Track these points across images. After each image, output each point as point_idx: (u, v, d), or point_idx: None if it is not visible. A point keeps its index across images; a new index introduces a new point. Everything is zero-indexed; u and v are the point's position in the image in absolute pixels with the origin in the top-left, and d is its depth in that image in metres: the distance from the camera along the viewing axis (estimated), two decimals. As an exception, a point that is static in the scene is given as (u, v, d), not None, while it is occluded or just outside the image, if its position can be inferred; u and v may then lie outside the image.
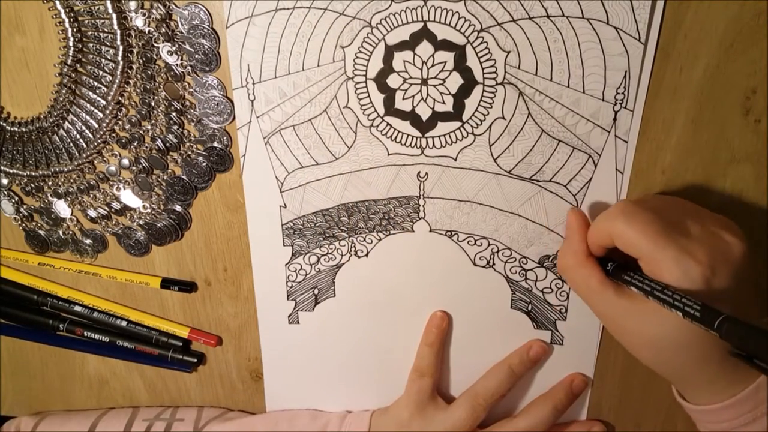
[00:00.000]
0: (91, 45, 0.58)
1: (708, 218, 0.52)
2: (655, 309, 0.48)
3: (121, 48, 0.57)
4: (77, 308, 0.71)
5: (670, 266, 0.47)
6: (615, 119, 0.55)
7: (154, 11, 0.56)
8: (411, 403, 0.67)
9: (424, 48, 0.54)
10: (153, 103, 0.60)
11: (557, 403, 0.66)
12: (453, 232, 0.61)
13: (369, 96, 0.57)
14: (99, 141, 0.61)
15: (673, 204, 0.54)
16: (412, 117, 0.57)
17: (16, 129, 0.63)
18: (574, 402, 0.67)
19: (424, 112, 0.57)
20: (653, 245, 0.47)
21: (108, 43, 0.57)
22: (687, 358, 0.51)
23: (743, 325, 0.40)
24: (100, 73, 0.59)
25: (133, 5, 0.56)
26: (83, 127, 0.61)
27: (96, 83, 0.59)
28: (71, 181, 0.64)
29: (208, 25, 0.56)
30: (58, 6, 0.56)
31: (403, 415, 0.67)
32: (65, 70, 0.58)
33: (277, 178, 0.61)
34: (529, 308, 0.64)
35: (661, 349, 0.51)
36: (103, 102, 0.59)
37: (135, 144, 0.61)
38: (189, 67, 0.58)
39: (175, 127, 0.60)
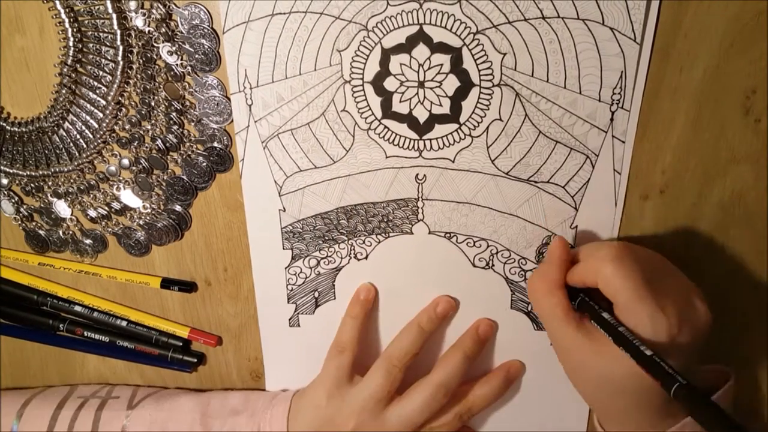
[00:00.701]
0: (91, 45, 0.59)
1: (682, 282, 0.55)
2: (612, 352, 0.51)
3: (121, 48, 0.58)
4: (77, 308, 0.72)
5: (644, 320, 0.50)
6: (612, 120, 0.57)
7: (154, 11, 0.57)
8: (328, 381, 0.66)
9: (421, 51, 0.55)
10: (153, 103, 0.61)
11: (466, 350, 0.66)
12: (452, 234, 0.63)
13: (366, 99, 0.58)
14: (99, 141, 0.62)
15: (657, 261, 0.56)
16: (409, 119, 0.58)
17: (16, 129, 0.64)
18: (483, 348, 0.67)
19: (422, 115, 0.58)
20: (635, 296, 0.50)
21: (108, 43, 0.58)
22: (626, 404, 0.54)
23: (699, 397, 0.43)
24: (100, 73, 0.60)
25: (133, 5, 0.57)
26: (83, 127, 0.62)
27: (96, 83, 0.60)
28: (71, 181, 0.66)
29: (208, 25, 0.57)
30: (58, 6, 0.57)
31: (318, 396, 0.67)
32: (65, 70, 0.59)
33: (275, 181, 0.62)
34: (529, 309, 0.65)
35: (605, 390, 0.54)
36: (103, 102, 0.61)
37: (135, 144, 0.63)
38: (189, 67, 0.59)
39: (175, 127, 0.62)
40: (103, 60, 0.59)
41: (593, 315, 0.53)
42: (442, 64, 0.56)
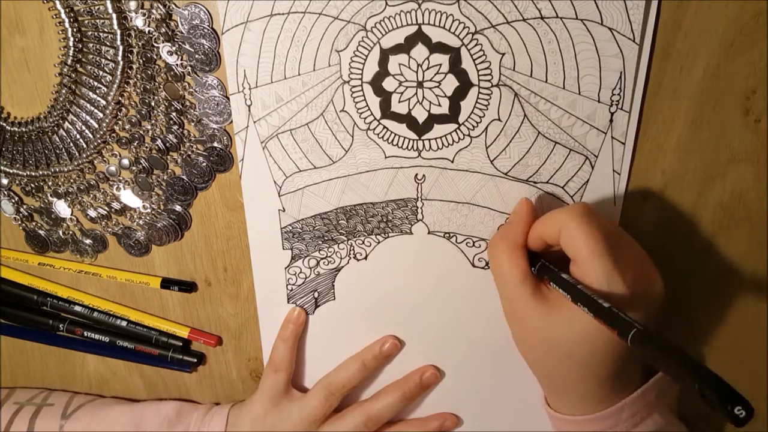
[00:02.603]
0: (91, 45, 0.59)
1: (640, 253, 0.56)
2: (564, 317, 0.52)
3: (121, 48, 0.59)
4: (77, 308, 0.73)
5: (600, 278, 0.50)
6: (611, 120, 0.57)
7: (154, 11, 0.57)
8: (264, 397, 0.70)
9: (419, 51, 0.56)
10: (153, 103, 0.61)
11: (406, 392, 0.70)
12: (451, 234, 0.63)
13: (365, 99, 0.59)
14: (99, 141, 0.63)
15: (616, 229, 0.57)
16: (408, 120, 0.59)
17: (16, 129, 0.64)
18: (422, 393, 0.71)
19: (420, 115, 0.59)
20: (595, 252, 0.50)
21: (108, 43, 0.59)
22: (574, 369, 0.55)
23: (657, 340, 0.43)
24: (100, 73, 0.60)
25: (133, 5, 0.57)
26: (83, 127, 0.63)
27: (96, 83, 0.61)
28: (71, 181, 0.66)
29: (208, 25, 0.58)
30: (58, 6, 0.58)
31: (256, 410, 0.70)
32: (65, 70, 0.60)
33: (275, 182, 0.63)
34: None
35: (553, 354, 0.55)
36: (103, 102, 0.61)
37: (135, 144, 0.63)
38: (189, 67, 0.60)
39: (175, 127, 0.62)
40: (103, 60, 0.60)
41: (552, 276, 0.54)
42: (440, 64, 0.57)
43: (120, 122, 0.63)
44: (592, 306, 0.48)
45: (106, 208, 0.68)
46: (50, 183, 0.67)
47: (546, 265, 0.55)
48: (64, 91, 0.61)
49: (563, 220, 0.53)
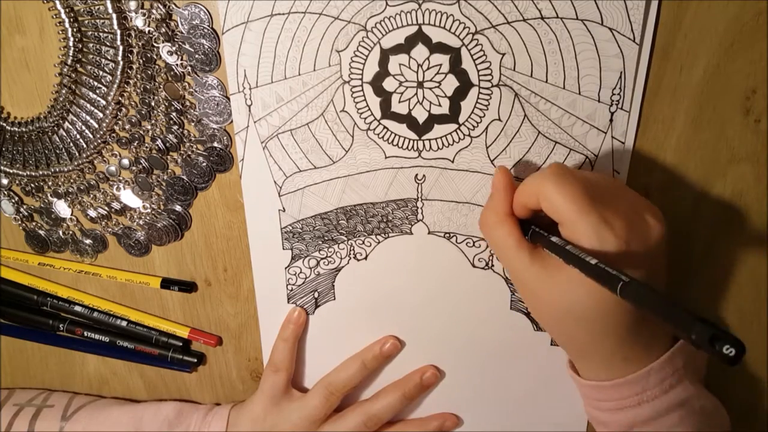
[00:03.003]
0: (91, 45, 0.60)
1: (634, 199, 0.54)
2: (565, 278, 0.51)
3: (121, 48, 0.59)
4: (77, 308, 0.73)
5: (589, 234, 0.49)
6: (611, 120, 0.57)
7: (154, 11, 0.58)
8: (264, 398, 0.71)
9: (420, 51, 0.56)
10: (153, 103, 0.62)
11: (406, 392, 0.70)
12: (451, 234, 0.63)
13: (365, 99, 0.59)
14: (99, 141, 0.63)
15: (604, 179, 0.56)
16: (408, 120, 0.59)
17: (16, 129, 0.65)
18: (422, 393, 0.71)
19: (421, 115, 0.59)
20: (577, 211, 0.49)
21: (108, 43, 0.59)
22: (588, 330, 0.53)
23: (645, 290, 0.42)
24: (100, 73, 0.61)
25: (133, 5, 0.58)
26: (83, 127, 0.63)
27: (96, 83, 0.61)
28: (71, 181, 0.67)
29: (208, 25, 0.58)
30: (58, 6, 0.58)
31: (256, 411, 0.71)
32: (65, 70, 0.60)
33: (275, 182, 0.63)
34: (528, 310, 0.66)
35: (564, 317, 0.54)
36: (103, 102, 0.61)
37: (135, 144, 0.64)
38: (189, 67, 0.60)
39: (175, 127, 0.62)
40: (103, 60, 0.60)
41: (543, 241, 0.53)
42: (441, 65, 0.57)
43: (120, 122, 0.63)
44: (581, 265, 0.47)
45: (106, 208, 0.68)
46: (50, 183, 0.67)
47: (536, 231, 0.55)
48: (64, 91, 0.62)
49: (539, 185, 0.52)
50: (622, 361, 0.54)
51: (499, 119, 0.58)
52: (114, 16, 0.58)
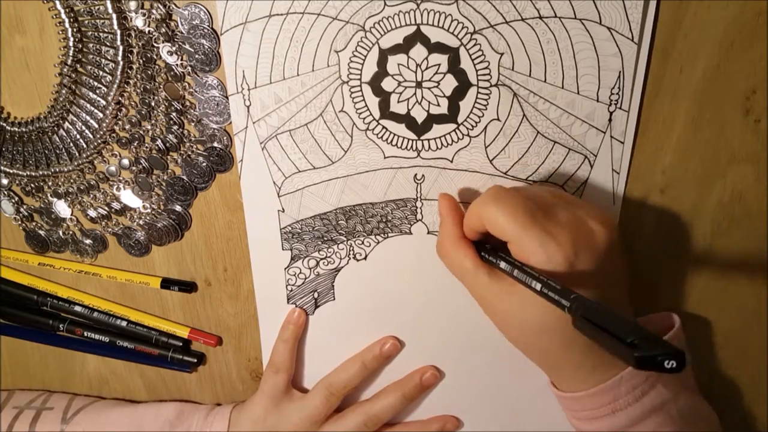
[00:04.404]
0: (91, 45, 0.60)
1: (578, 206, 0.54)
2: (521, 292, 0.52)
3: (121, 48, 0.59)
4: (77, 308, 0.73)
5: (535, 248, 0.50)
6: (610, 120, 0.58)
7: (154, 11, 0.58)
8: (265, 398, 0.71)
9: (418, 51, 0.57)
10: (153, 103, 0.62)
11: (406, 392, 0.71)
12: (450, 234, 0.64)
13: (364, 100, 0.59)
14: (99, 141, 0.64)
15: (546, 192, 0.56)
16: (407, 120, 0.59)
17: (16, 129, 0.65)
18: (422, 393, 0.71)
19: (420, 115, 0.59)
20: (520, 228, 0.50)
21: (108, 43, 0.59)
22: (552, 342, 0.54)
23: (593, 305, 0.42)
24: (100, 73, 0.61)
25: (133, 5, 0.58)
26: (83, 127, 0.64)
27: (96, 83, 0.61)
28: (71, 181, 0.67)
29: (208, 25, 0.58)
30: (58, 6, 0.58)
31: (257, 411, 0.71)
32: (65, 70, 0.61)
33: (274, 182, 0.63)
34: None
35: (527, 332, 0.55)
36: (103, 102, 0.62)
37: (135, 144, 0.64)
38: (189, 67, 0.60)
39: (175, 127, 0.63)
40: (103, 60, 0.61)
41: (494, 264, 0.54)
42: (439, 64, 0.57)
43: (120, 122, 0.63)
44: (528, 286, 0.49)
45: (106, 208, 0.68)
46: (50, 183, 0.68)
47: (485, 255, 0.56)
48: (64, 91, 0.62)
49: (480, 208, 0.53)
50: (591, 370, 0.55)
51: (498, 119, 0.59)
52: (114, 16, 0.58)
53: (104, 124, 0.63)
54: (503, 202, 0.52)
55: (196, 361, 0.74)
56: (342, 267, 0.67)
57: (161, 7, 0.58)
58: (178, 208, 0.67)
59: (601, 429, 0.56)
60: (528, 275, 0.49)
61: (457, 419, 0.73)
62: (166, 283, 0.71)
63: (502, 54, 0.56)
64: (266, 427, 0.70)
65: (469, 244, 0.57)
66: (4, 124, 0.65)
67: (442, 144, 0.60)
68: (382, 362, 0.70)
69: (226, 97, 0.61)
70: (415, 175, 0.62)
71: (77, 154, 0.65)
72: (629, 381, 0.54)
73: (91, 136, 0.64)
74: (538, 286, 0.47)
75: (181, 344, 0.74)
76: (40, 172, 0.66)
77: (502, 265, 0.53)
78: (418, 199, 0.63)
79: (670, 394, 0.56)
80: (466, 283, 0.58)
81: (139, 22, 0.59)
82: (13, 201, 0.70)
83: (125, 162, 0.65)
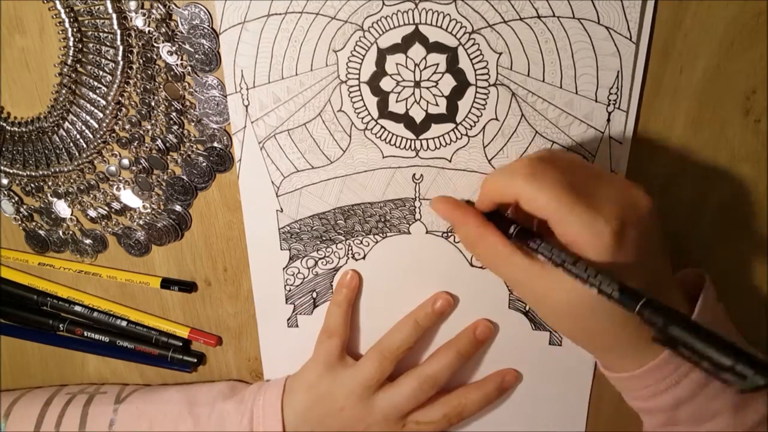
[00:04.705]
0: (91, 45, 0.60)
1: (613, 178, 0.52)
2: (562, 277, 0.49)
3: (121, 48, 0.59)
4: (77, 308, 0.74)
5: (581, 229, 0.47)
6: (609, 120, 0.58)
7: (154, 11, 0.58)
8: (319, 363, 0.69)
9: (416, 50, 0.57)
10: (153, 103, 0.62)
11: (460, 349, 0.68)
12: (449, 233, 0.64)
13: (362, 99, 0.59)
14: (99, 141, 0.64)
15: (579, 163, 0.54)
16: (405, 119, 0.59)
17: (16, 129, 0.65)
18: (478, 348, 0.68)
19: (418, 115, 0.59)
20: (564, 208, 0.47)
21: (108, 43, 0.60)
22: (604, 323, 0.51)
23: (665, 310, 0.41)
24: (100, 73, 0.61)
25: (133, 5, 0.58)
26: (83, 127, 0.64)
27: (96, 83, 0.62)
28: (71, 181, 0.67)
29: (208, 25, 0.58)
30: (58, 6, 0.58)
31: (311, 377, 0.69)
32: (65, 70, 0.61)
33: (273, 182, 0.63)
34: (527, 308, 0.66)
35: (576, 315, 0.51)
36: (103, 102, 0.62)
37: (135, 144, 0.64)
38: (189, 67, 0.60)
39: (175, 127, 0.63)
40: (103, 60, 0.61)
41: (524, 243, 0.52)
42: (438, 64, 0.57)
43: (120, 122, 0.63)
44: (582, 279, 0.47)
45: (106, 208, 0.68)
46: (50, 183, 0.68)
47: (520, 232, 0.53)
48: (64, 91, 0.62)
49: (516, 188, 0.50)
50: (647, 344, 0.51)
51: (497, 119, 0.59)
52: (114, 16, 0.58)
53: (104, 124, 0.63)
54: (541, 178, 0.49)
55: (196, 361, 0.74)
56: (341, 267, 0.67)
57: (161, 7, 0.58)
58: (178, 208, 0.67)
59: (665, 404, 0.54)
60: (579, 271, 0.47)
61: (516, 371, 0.70)
62: (166, 283, 0.71)
63: (500, 54, 0.57)
64: (320, 392, 0.69)
65: (494, 230, 0.54)
66: (4, 124, 0.65)
67: (440, 144, 0.60)
68: (434, 319, 0.68)
69: (226, 97, 0.61)
70: (414, 174, 0.62)
71: (77, 154, 0.65)
72: (676, 359, 0.51)
73: (91, 136, 0.64)
74: (575, 270, 0.46)
75: (181, 344, 0.74)
76: (40, 172, 0.67)
77: (544, 254, 0.50)
78: (417, 198, 0.63)
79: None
80: (501, 271, 0.55)
81: (139, 22, 0.59)
82: (13, 201, 0.70)
83: (125, 162, 0.65)
